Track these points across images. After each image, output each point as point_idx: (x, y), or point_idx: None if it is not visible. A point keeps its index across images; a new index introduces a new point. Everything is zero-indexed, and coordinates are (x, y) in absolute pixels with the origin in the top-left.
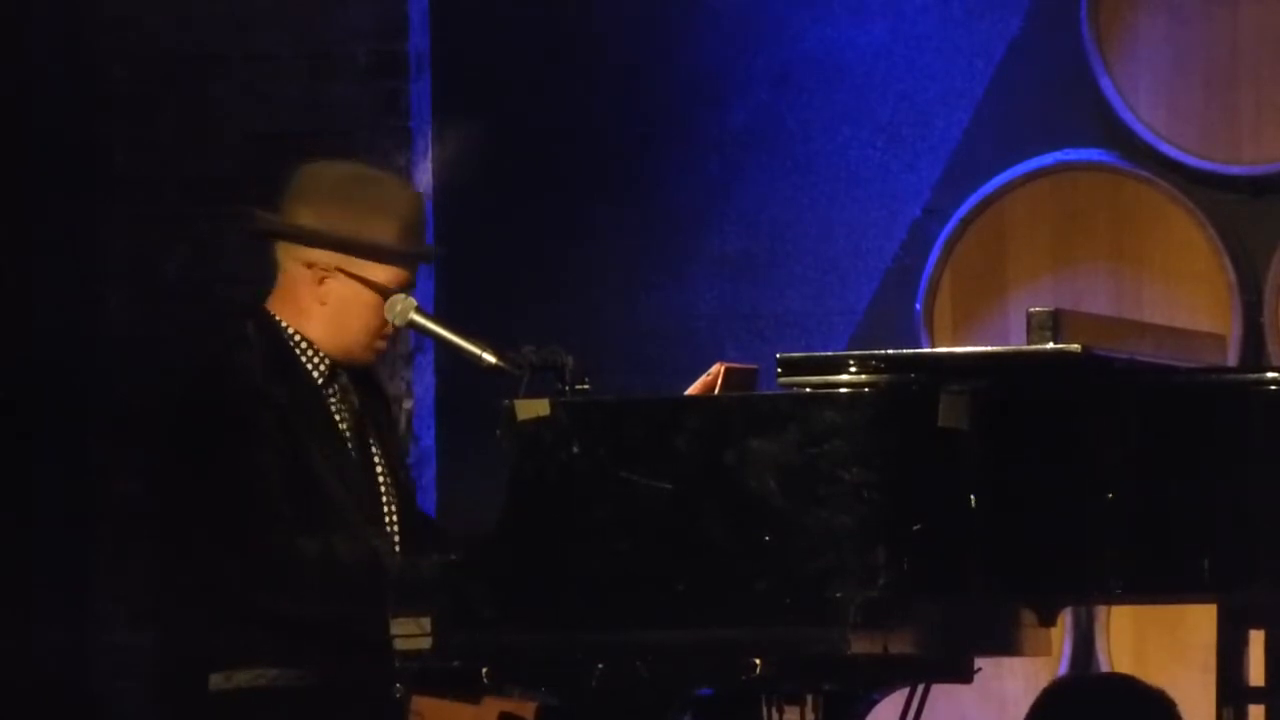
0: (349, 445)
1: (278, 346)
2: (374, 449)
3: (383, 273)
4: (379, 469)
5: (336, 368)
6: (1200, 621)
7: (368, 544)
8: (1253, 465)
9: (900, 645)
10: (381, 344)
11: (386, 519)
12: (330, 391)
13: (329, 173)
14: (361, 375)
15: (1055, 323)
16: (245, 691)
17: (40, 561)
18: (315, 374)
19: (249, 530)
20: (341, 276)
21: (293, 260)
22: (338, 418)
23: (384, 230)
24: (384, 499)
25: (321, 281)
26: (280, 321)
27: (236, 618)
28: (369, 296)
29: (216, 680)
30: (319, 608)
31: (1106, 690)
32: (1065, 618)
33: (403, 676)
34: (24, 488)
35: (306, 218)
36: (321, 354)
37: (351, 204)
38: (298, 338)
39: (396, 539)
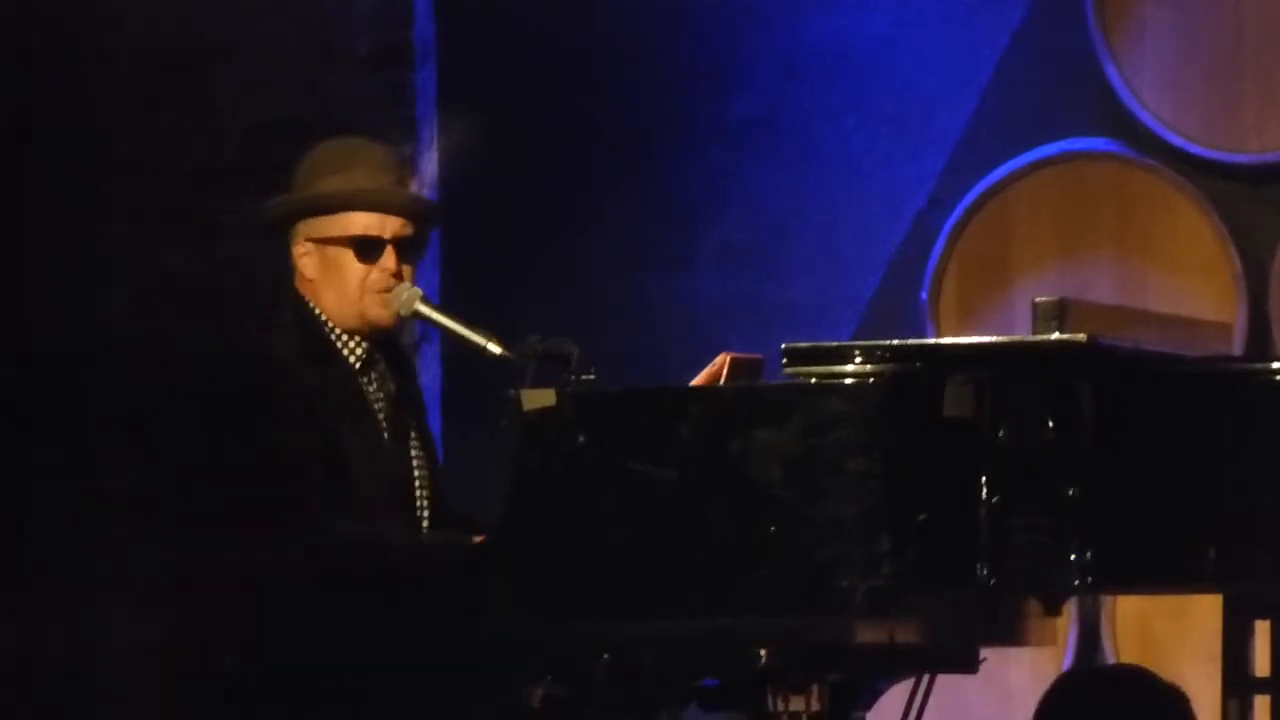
0: (383, 431)
1: (314, 332)
2: (412, 437)
3: (339, 224)
4: (415, 457)
5: (374, 353)
6: (1206, 611)
7: (404, 522)
8: (1258, 454)
9: (905, 635)
10: (382, 298)
11: (419, 506)
12: (367, 379)
13: (309, 153)
14: (401, 366)
15: (1060, 312)
16: (259, 675)
17: (40, 558)
18: (352, 359)
19: (280, 508)
20: (311, 245)
21: (289, 249)
22: (375, 405)
23: (330, 184)
24: (417, 486)
25: (304, 256)
26: (313, 307)
27: (256, 599)
28: (338, 252)
29: (230, 663)
30: (350, 583)
31: (1118, 683)
32: (1071, 607)
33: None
34: (24, 483)
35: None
36: (356, 338)
37: (308, 173)
38: (330, 324)
39: (427, 526)
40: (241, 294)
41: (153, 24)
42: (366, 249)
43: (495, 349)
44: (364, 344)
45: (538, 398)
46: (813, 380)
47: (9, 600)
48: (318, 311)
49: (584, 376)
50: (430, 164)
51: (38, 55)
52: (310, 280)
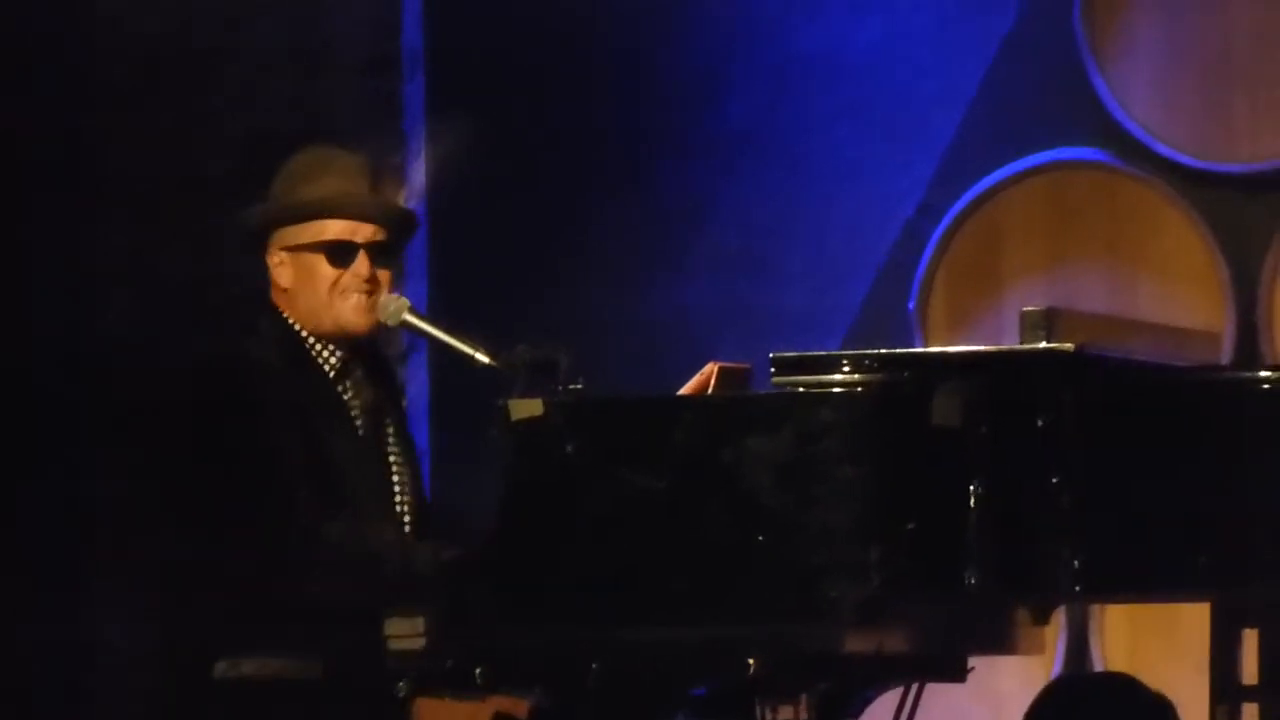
0: (359, 438)
1: (289, 340)
2: (390, 443)
3: (311, 231)
4: (393, 463)
5: (349, 362)
6: (1194, 620)
7: (391, 525)
8: (1246, 463)
9: (894, 644)
10: (355, 302)
11: (401, 513)
12: (344, 386)
13: (285, 164)
14: (380, 372)
15: (1049, 321)
16: (249, 680)
17: (40, 558)
18: (327, 367)
19: (270, 511)
20: (285, 255)
21: (265, 261)
22: (352, 410)
23: (304, 193)
24: (397, 492)
25: (279, 266)
26: (287, 317)
27: (248, 604)
28: (311, 258)
29: (221, 668)
30: (343, 586)
31: (1105, 691)
32: (1059, 616)
33: (406, 675)
34: (23, 484)
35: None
36: (331, 347)
37: (283, 183)
38: (304, 333)
39: (409, 532)
40: (236, 300)
41: (145, 32)
42: (338, 254)
43: (483, 358)
44: (339, 352)
45: (526, 407)
46: (801, 390)
47: (9, 600)
48: (292, 321)
49: (572, 385)
50: (419, 173)
51: (31, 62)
52: (285, 290)
